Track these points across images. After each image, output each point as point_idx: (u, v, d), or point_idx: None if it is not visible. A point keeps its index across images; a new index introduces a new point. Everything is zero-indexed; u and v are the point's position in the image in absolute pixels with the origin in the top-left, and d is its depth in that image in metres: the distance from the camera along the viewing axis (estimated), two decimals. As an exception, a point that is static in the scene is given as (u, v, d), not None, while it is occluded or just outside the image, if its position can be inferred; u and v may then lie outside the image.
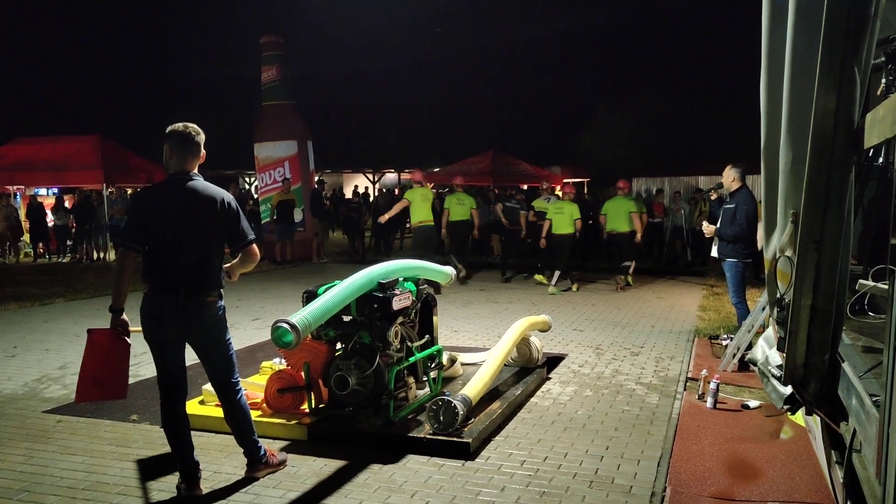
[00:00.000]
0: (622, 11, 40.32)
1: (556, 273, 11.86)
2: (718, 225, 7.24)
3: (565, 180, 23.09)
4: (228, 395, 3.98)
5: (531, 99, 39.37)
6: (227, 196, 3.86)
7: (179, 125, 3.84)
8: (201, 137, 3.87)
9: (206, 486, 3.95)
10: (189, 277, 3.71)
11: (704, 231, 7.46)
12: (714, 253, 7.42)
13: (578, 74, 39.50)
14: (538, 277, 12.53)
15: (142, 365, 6.75)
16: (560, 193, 12.12)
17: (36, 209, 17.57)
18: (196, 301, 3.73)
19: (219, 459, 4.37)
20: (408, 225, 18.48)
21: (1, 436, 4.84)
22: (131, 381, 6.14)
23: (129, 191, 19.70)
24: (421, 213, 11.68)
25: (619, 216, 11.91)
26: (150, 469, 4.26)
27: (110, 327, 3.78)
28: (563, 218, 11.76)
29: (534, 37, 41.93)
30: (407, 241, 20.36)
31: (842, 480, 2.68)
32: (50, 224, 17.90)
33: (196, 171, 3.86)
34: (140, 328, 3.80)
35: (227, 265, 3.93)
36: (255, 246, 3.93)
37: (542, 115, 38.28)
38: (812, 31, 2.54)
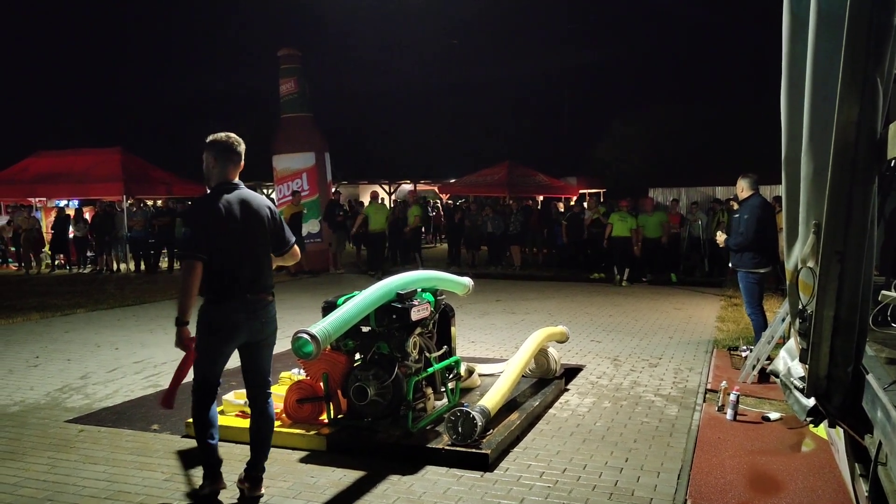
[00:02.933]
0: (638, 23, 40.33)
1: (626, 270, 14.28)
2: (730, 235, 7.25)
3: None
4: (265, 400, 4.07)
5: (547, 110, 39.41)
6: (271, 204, 4.08)
7: (222, 135, 3.94)
8: (242, 147, 4.01)
9: (223, 497, 3.97)
10: (253, 281, 3.85)
11: (717, 241, 7.48)
12: (731, 263, 7.43)
13: (594, 85, 39.50)
14: (595, 275, 15.01)
15: (162, 375, 6.81)
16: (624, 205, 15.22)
17: (62, 221, 17.79)
18: (261, 303, 3.89)
19: (239, 469, 4.38)
20: (423, 234, 18.63)
21: (24, 445, 4.90)
22: (152, 391, 6.23)
23: (150, 202, 19.91)
24: (375, 223, 16.43)
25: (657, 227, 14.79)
26: (171, 478, 4.29)
27: (183, 340, 3.82)
28: (624, 225, 14.28)
29: (550, 43, 42.00)
30: (425, 251, 20.40)
31: (866, 494, 2.65)
32: (70, 236, 18.10)
33: (237, 179, 3.99)
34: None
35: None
36: (296, 247, 4.21)
37: (557, 126, 38.30)
38: (834, 40, 2.53)
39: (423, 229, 18.16)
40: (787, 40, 2.97)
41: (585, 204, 17.32)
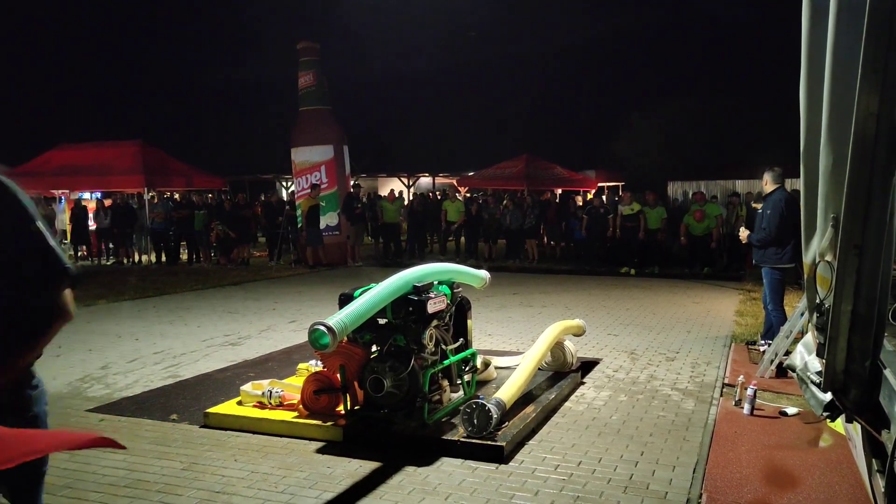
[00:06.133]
0: (656, 14, 40.01)
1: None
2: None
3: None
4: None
5: (565, 103, 39.25)
6: None
7: None
8: None
9: (243, 486, 4.01)
10: None
11: (741, 237, 7.43)
12: (755, 260, 7.40)
13: (613, 78, 39.26)
14: (624, 270, 15.02)
15: (181, 366, 6.88)
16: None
17: (79, 213, 17.98)
18: None
19: (256, 459, 4.43)
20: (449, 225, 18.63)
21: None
22: (171, 381, 6.28)
23: (168, 195, 20.08)
24: (390, 216, 18.10)
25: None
26: (189, 468, 4.33)
27: None
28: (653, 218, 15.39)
29: (570, 36, 41.77)
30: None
31: (883, 490, 2.63)
32: (92, 227, 18.29)
33: None
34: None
35: None
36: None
37: (576, 119, 38.12)
38: (854, 29, 2.50)
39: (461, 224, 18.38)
40: (807, 30, 2.94)
41: (616, 198, 17.38)
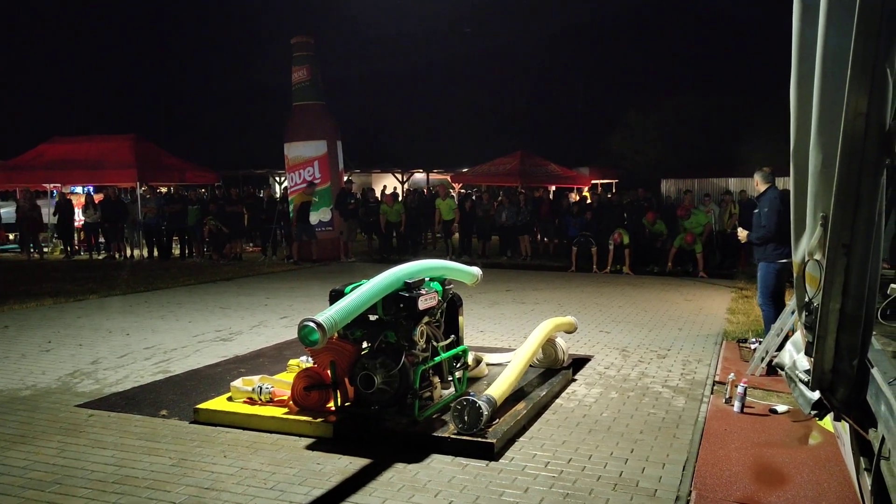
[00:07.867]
0: (653, 11, 40.07)
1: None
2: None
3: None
4: None
5: (561, 100, 39.28)
6: None
7: None
8: None
9: (232, 482, 4.00)
10: None
11: (739, 237, 7.48)
12: (755, 258, 7.46)
13: (609, 75, 39.30)
14: (617, 267, 14.82)
15: (172, 361, 6.86)
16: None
17: (63, 206, 17.83)
18: None
19: (245, 456, 4.43)
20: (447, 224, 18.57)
21: (34, 429, 4.95)
22: (161, 377, 6.27)
23: (163, 190, 20.02)
24: (391, 217, 17.54)
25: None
26: (178, 464, 4.32)
27: None
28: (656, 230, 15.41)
29: (565, 32, 41.74)
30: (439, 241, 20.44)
31: (870, 488, 2.64)
32: (80, 222, 18.18)
33: None
34: None
35: None
36: None
37: (571, 116, 38.16)
38: (843, 29, 2.50)
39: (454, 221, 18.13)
40: (797, 28, 2.95)
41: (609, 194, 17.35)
